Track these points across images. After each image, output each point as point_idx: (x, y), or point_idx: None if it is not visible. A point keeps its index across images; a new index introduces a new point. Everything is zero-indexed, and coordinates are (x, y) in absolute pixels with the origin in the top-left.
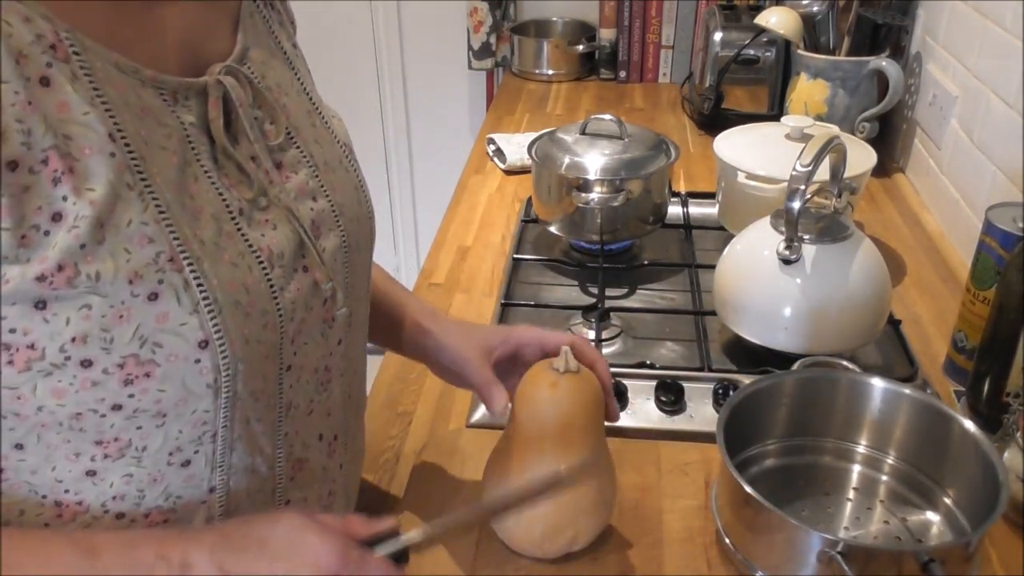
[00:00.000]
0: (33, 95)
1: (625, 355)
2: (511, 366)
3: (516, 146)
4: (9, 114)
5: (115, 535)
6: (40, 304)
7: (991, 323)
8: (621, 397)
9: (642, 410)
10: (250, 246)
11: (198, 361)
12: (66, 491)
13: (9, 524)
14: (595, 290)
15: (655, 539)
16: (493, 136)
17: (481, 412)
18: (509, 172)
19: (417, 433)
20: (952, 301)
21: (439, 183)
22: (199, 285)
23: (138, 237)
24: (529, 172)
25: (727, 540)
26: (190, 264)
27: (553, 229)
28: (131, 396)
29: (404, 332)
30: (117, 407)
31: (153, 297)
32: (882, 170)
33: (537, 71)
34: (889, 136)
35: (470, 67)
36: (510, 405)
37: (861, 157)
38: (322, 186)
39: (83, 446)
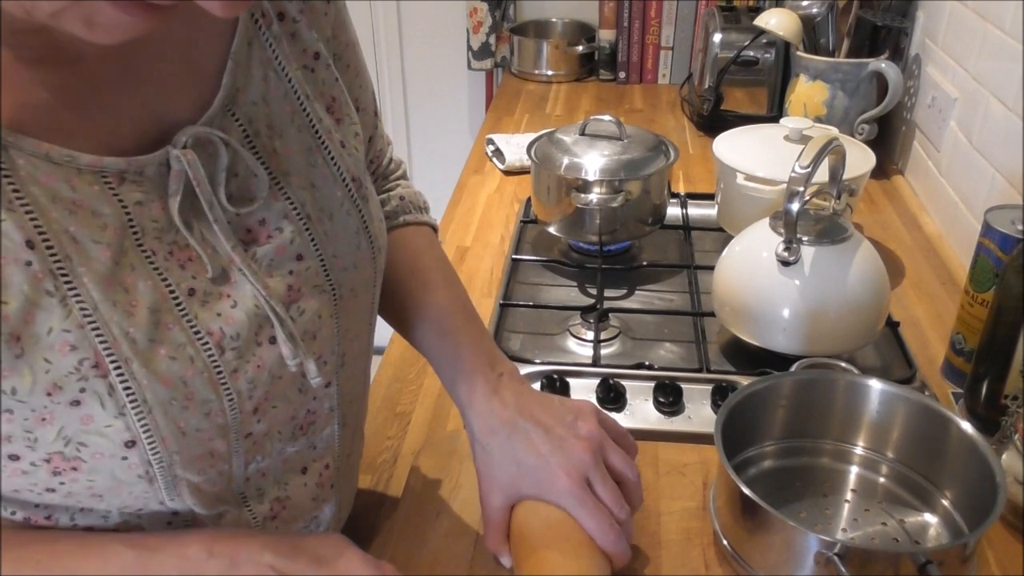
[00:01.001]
0: None
1: (623, 356)
2: None
3: (515, 147)
4: None
5: (166, 533)
6: None
7: (989, 325)
8: (619, 398)
9: (640, 411)
10: (196, 333)
11: (125, 459)
12: (27, 518)
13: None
14: (594, 291)
15: (653, 540)
16: (492, 136)
17: None
18: (508, 172)
19: (415, 434)
20: (950, 303)
21: (438, 183)
22: (126, 387)
23: (59, 345)
24: (528, 173)
25: (725, 541)
26: (116, 367)
27: (552, 230)
28: (62, 484)
29: (455, 394)
30: (51, 490)
31: (75, 403)
32: (881, 172)
33: (536, 72)
34: (888, 138)
35: (470, 67)
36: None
37: (860, 159)
38: (312, 241)
39: (29, 501)
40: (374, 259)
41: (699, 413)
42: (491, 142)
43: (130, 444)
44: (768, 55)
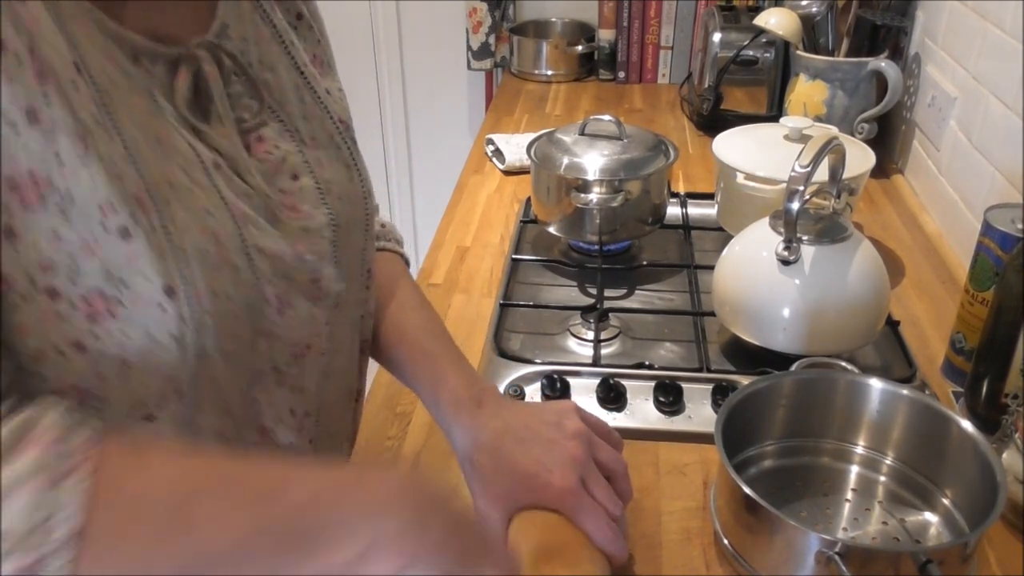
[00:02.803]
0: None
1: (624, 356)
2: None
3: (515, 146)
4: None
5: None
6: (9, 234)
7: (989, 324)
8: (620, 398)
9: (640, 411)
10: (223, 200)
11: (164, 310)
12: None
13: None
14: (594, 291)
15: (653, 540)
16: (492, 136)
17: None
18: (508, 172)
19: (416, 434)
20: (950, 302)
21: (438, 183)
22: (165, 229)
23: (106, 172)
24: (528, 172)
25: (725, 541)
26: (157, 207)
27: (552, 230)
28: (96, 336)
29: (438, 412)
30: (80, 347)
31: (124, 234)
32: (881, 171)
33: (536, 71)
34: (888, 137)
35: (469, 67)
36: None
37: (860, 158)
38: (306, 162)
39: (42, 391)
40: (365, 200)
41: (699, 413)
42: (491, 142)
43: (169, 292)
44: (768, 54)
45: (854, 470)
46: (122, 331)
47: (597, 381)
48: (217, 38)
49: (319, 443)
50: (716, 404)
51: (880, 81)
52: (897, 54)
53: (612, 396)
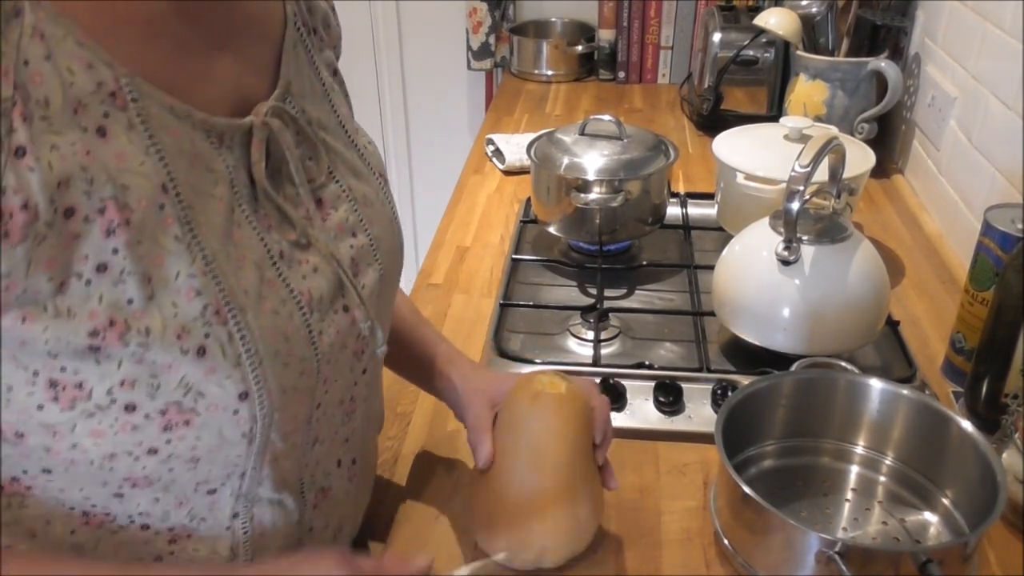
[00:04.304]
0: (91, 145)
1: (624, 356)
2: None
3: (515, 147)
4: (72, 162)
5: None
6: (94, 349)
7: (989, 324)
8: (620, 398)
9: (640, 411)
10: (291, 291)
11: (236, 412)
12: (93, 505)
13: (35, 535)
14: (594, 291)
15: (653, 540)
16: (492, 136)
17: None
18: (508, 172)
19: (416, 434)
20: (950, 302)
21: (438, 183)
22: (242, 337)
23: (185, 290)
24: (528, 173)
25: (725, 541)
26: (234, 316)
27: (552, 230)
28: (168, 442)
29: (433, 380)
30: (153, 451)
31: (200, 352)
32: (881, 171)
33: (536, 72)
34: (888, 137)
35: (469, 67)
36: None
37: (860, 158)
38: (361, 220)
39: (112, 479)
40: (402, 251)
41: (699, 412)
42: (491, 142)
43: (243, 396)
44: (768, 54)
45: (854, 470)
46: (196, 436)
47: (597, 381)
48: (282, 99)
49: (362, 484)
50: (716, 404)
51: (880, 81)
52: (897, 54)
53: (612, 396)
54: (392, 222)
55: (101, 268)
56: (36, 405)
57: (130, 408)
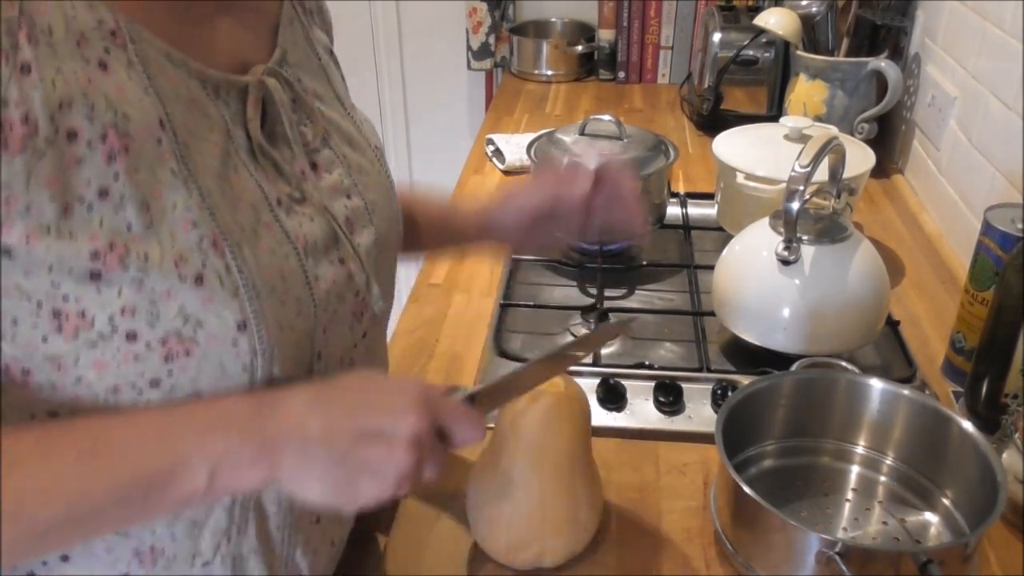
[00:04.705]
0: (92, 75)
1: (624, 356)
2: (550, 224)
3: (515, 147)
4: (75, 87)
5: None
6: (95, 276)
7: (989, 324)
8: (620, 398)
9: (641, 411)
10: (287, 235)
11: (235, 343)
12: None
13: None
14: (594, 291)
15: (654, 540)
16: (492, 136)
17: None
18: (508, 172)
19: None
20: (951, 302)
21: (438, 183)
22: (239, 269)
23: (182, 222)
24: (528, 172)
25: (726, 541)
26: (231, 249)
27: None
28: (170, 373)
29: (471, 224)
30: (155, 383)
31: (198, 281)
32: (881, 171)
33: (536, 72)
34: (888, 137)
35: (469, 67)
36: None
37: (860, 158)
38: (356, 185)
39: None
40: (399, 220)
41: (699, 412)
42: (491, 142)
43: (242, 327)
44: (768, 54)
45: (854, 470)
46: (197, 367)
47: (597, 381)
48: (279, 65)
49: None
50: (716, 404)
51: (880, 81)
52: (897, 54)
53: (612, 396)
54: (389, 191)
55: (103, 193)
56: (41, 337)
57: (131, 337)
